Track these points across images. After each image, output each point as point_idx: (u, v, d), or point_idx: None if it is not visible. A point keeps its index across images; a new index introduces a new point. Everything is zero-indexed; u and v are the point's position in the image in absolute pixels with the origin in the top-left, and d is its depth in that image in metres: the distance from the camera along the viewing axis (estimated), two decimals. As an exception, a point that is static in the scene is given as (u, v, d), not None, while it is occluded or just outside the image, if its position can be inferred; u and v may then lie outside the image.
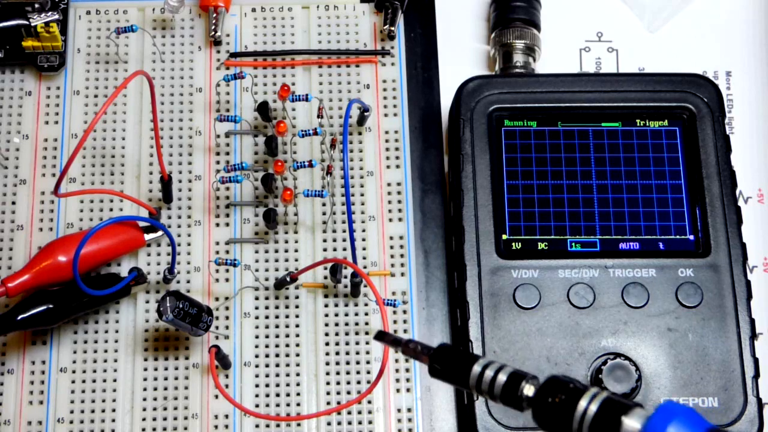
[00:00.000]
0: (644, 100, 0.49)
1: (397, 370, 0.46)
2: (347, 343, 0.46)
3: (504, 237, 0.47)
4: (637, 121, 0.49)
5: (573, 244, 0.47)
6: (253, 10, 0.52)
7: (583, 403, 0.32)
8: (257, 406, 0.45)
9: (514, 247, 0.47)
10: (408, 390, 0.46)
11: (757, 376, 0.44)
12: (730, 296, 0.46)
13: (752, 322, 0.45)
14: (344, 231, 0.48)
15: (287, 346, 0.46)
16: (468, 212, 0.47)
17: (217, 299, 0.47)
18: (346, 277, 0.46)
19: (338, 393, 0.45)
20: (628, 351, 0.45)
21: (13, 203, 0.48)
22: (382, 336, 0.39)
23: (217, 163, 0.49)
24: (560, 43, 0.54)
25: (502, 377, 0.34)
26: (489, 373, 0.35)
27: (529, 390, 0.34)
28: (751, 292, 0.46)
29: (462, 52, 0.54)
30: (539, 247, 0.47)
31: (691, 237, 0.47)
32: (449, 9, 0.54)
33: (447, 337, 0.47)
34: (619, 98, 0.49)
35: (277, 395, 0.45)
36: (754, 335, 0.45)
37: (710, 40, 0.55)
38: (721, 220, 0.47)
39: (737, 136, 0.52)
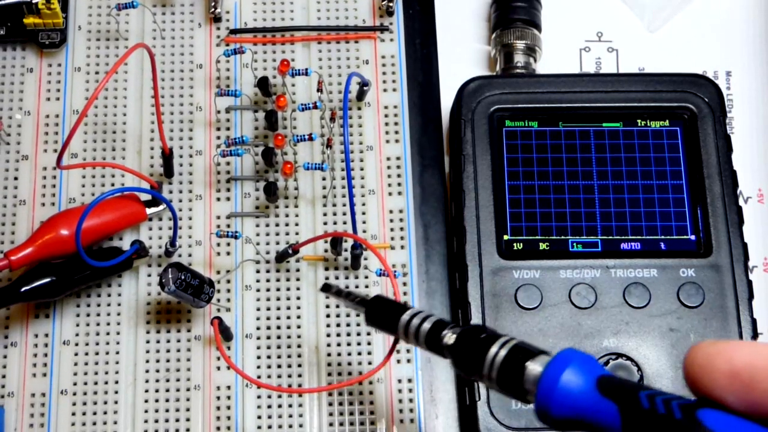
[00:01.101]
0: (645, 100, 0.49)
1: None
2: (348, 315, 0.47)
3: (505, 237, 0.47)
4: (638, 121, 0.49)
5: (574, 244, 0.47)
6: (253, -13, 0.52)
7: (494, 349, 0.33)
8: (259, 377, 0.46)
9: (515, 248, 0.47)
10: (408, 361, 0.46)
11: (758, 376, 0.45)
12: (732, 296, 0.46)
13: (754, 322, 0.46)
14: (344, 204, 0.48)
15: (288, 318, 0.46)
16: (469, 213, 0.47)
17: (218, 272, 0.47)
18: (346, 249, 0.47)
19: (339, 364, 0.46)
20: (630, 351, 0.45)
21: (16, 179, 0.48)
22: (327, 288, 0.42)
23: (218, 138, 0.49)
24: (560, 43, 0.54)
25: (426, 325, 0.37)
26: (415, 322, 0.37)
27: (449, 339, 0.36)
28: (753, 292, 0.46)
29: (462, 53, 0.54)
30: (541, 248, 0.47)
31: (693, 237, 0.47)
32: (449, 10, 0.55)
33: (447, 309, 0.47)
34: (620, 98, 0.49)
35: (279, 367, 0.46)
36: (755, 335, 0.45)
37: (710, 40, 0.55)
38: (722, 220, 0.47)
39: (737, 136, 0.52)
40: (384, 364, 0.41)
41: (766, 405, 0.27)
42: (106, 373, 0.46)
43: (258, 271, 0.47)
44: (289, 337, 0.46)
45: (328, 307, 0.47)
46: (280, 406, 0.45)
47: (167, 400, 0.45)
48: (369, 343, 0.46)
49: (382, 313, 0.39)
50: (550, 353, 0.33)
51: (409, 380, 0.46)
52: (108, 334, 0.46)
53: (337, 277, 0.47)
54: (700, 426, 0.27)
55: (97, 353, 0.46)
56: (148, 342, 0.46)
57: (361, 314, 0.40)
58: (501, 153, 0.48)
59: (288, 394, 0.45)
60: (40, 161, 0.49)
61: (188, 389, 0.45)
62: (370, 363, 0.46)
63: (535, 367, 0.32)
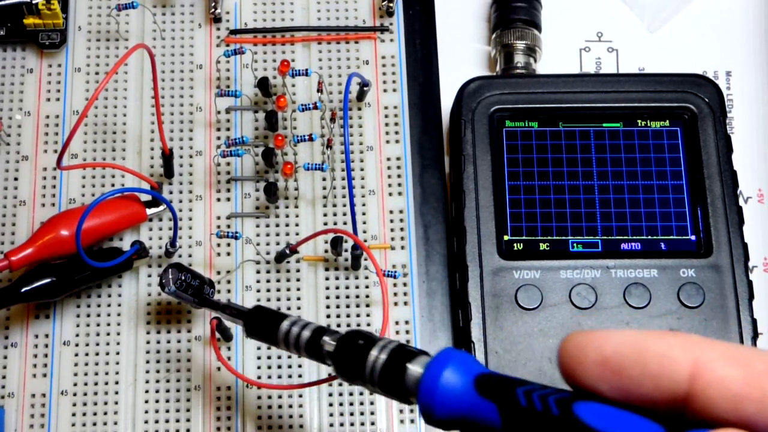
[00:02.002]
0: (645, 100, 0.49)
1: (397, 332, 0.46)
2: (348, 315, 0.47)
3: (506, 238, 0.47)
4: (639, 121, 0.49)
5: (575, 244, 0.47)
6: (253, -13, 0.52)
7: (374, 353, 0.34)
8: (259, 377, 0.46)
9: (515, 248, 0.47)
10: (408, 361, 0.46)
11: (759, 376, 0.44)
12: (732, 296, 0.46)
13: (754, 322, 0.45)
14: (344, 205, 0.48)
15: (288, 318, 0.46)
16: (469, 213, 0.47)
17: (218, 273, 0.47)
18: (346, 250, 0.47)
19: (339, 365, 0.46)
20: (631, 353, 0.45)
21: (16, 179, 0.48)
22: (203, 302, 0.43)
23: (218, 138, 0.49)
24: (560, 43, 0.54)
25: (306, 333, 0.37)
26: (295, 330, 0.37)
27: (329, 346, 0.36)
28: (753, 292, 0.46)
29: (462, 53, 0.54)
30: (541, 248, 0.47)
31: (693, 237, 0.47)
32: (449, 10, 0.55)
33: (447, 309, 0.47)
34: (621, 98, 0.49)
35: (279, 367, 0.46)
36: (755, 335, 0.45)
37: (710, 40, 0.55)
38: (722, 220, 0.47)
39: (737, 136, 0.52)
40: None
41: (636, 391, 0.28)
42: (107, 373, 0.46)
43: (258, 272, 0.47)
44: (289, 337, 0.46)
45: (328, 307, 0.47)
46: (280, 406, 0.45)
47: (167, 401, 0.45)
48: (369, 344, 0.46)
49: (261, 324, 0.39)
50: (429, 354, 0.33)
51: (410, 380, 0.46)
52: (108, 334, 0.46)
53: (337, 278, 0.47)
54: (576, 420, 0.28)
55: (97, 354, 0.46)
56: (148, 342, 0.46)
57: (240, 327, 0.40)
58: (501, 153, 0.48)
59: (288, 394, 0.45)
60: (40, 162, 0.49)
61: (188, 389, 0.45)
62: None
63: (415, 369, 0.32)
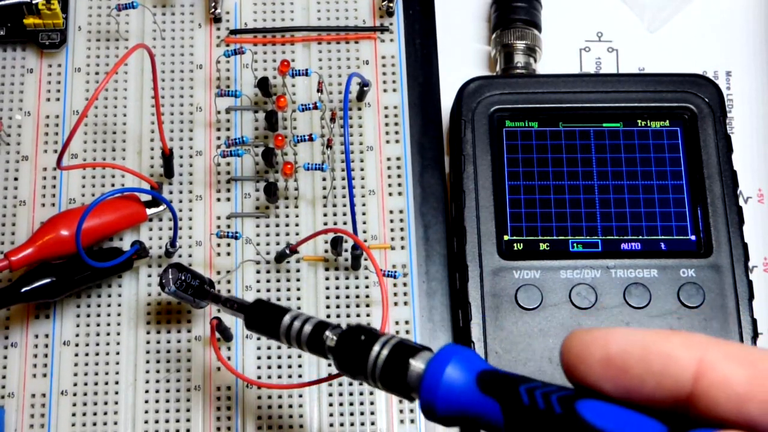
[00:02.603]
0: (645, 100, 0.49)
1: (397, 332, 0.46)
2: (348, 315, 0.47)
3: (506, 238, 0.47)
4: (639, 121, 0.49)
5: (575, 244, 0.47)
6: (253, -13, 0.52)
7: (376, 348, 0.34)
8: (259, 377, 0.46)
9: (515, 248, 0.47)
10: (409, 361, 0.46)
11: (759, 376, 0.44)
12: (732, 296, 0.46)
13: (754, 322, 0.45)
14: (344, 205, 0.48)
15: (288, 318, 0.46)
16: (469, 213, 0.47)
17: (218, 273, 0.47)
18: (346, 250, 0.47)
19: (339, 365, 0.46)
20: (631, 352, 0.45)
21: (16, 179, 0.48)
22: (204, 294, 0.43)
23: (218, 138, 0.49)
24: (560, 43, 0.54)
25: (307, 328, 0.37)
26: (296, 325, 0.37)
27: (331, 341, 0.36)
28: (753, 292, 0.46)
29: (462, 53, 0.54)
30: (541, 248, 0.47)
31: (693, 237, 0.47)
32: (449, 10, 0.55)
33: (447, 309, 0.47)
34: (621, 98, 0.49)
35: (279, 367, 0.46)
36: (755, 335, 0.45)
37: (710, 40, 0.55)
38: (722, 220, 0.47)
39: (737, 136, 0.52)
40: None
41: (640, 390, 0.28)
42: (107, 373, 0.46)
43: (258, 272, 0.47)
44: (289, 337, 0.46)
45: (328, 307, 0.47)
46: (280, 406, 0.45)
47: (167, 401, 0.45)
48: (369, 344, 0.46)
49: (263, 319, 0.39)
50: (432, 350, 0.33)
51: (410, 380, 0.46)
52: (108, 334, 0.46)
53: (337, 278, 0.47)
54: (578, 418, 0.28)
55: (97, 354, 0.46)
56: (148, 342, 0.46)
57: (241, 320, 0.40)
58: (501, 153, 0.48)
59: (288, 394, 0.45)
60: (40, 162, 0.49)
61: (188, 389, 0.45)
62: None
63: (417, 365, 0.32)
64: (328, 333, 0.36)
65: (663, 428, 0.27)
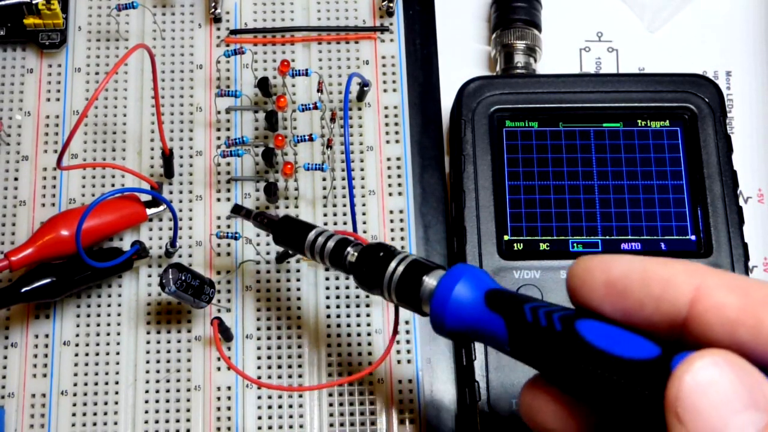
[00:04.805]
0: (645, 100, 0.49)
1: (398, 342, 0.46)
2: (348, 315, 0.47)
3: (506, 238, 0.47)
4: (639, 121, 0.49)
5: (575, 244, 0.47)
6: (253, -13, 0.52)
7: (392, 265, 0.36)
8: (259, 377, 0.46)
9: (515, 248, 0.47)
10: (409, 361, 0.46)
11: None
12: (733, 297, 0.46)
13: (754, 322, 0.45)
14: (345, 205, 0.48)
15: (288, 318, 0.46)
16: (469, 213, 0.47)
17: (218, 273, 0.47)
18: (346, 250, 0.47)
19: (339, 365, 0.46)
20: (631, 352, 0.45)
21: (16, 179, 0.48)
22: (237, 210, 0.44)
23: (218, 138, 0.49)
24: (560, 43, 0.54)
25: (330, 244, 0.39)
26: (320, 240, 0.40)
27: (352, 256, 0.38)
28: (753, 293, 0.46)
29: (462, 53, 0.54)
30: (541, 248, 0.47)
31: (693, 237, 0.47)
32: (449, 10, 0.54)
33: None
34: (621, 98, 0.49)
35: (279, 367, 0.46)
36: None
37: (710, 40, 0.55)
38: (722, 220, 0.47)
39: (737, 136, 0.52)
40: (384, 358, 0.41)
41: (638, 313, 0.29)
42: (107, 373, 0.46)
43: (258, 272, 0.47)
44: (289, 337, 0.46)
45: (328, 308, 0.47)
46: (280, 406, 0.45)
47: (167, 401, 0.45)
48: (369, 344, 0.46)
49: (290, 233, 0.41)
50: (445, 268, 0.35)
51: (410, 380, 0.46)
52: (108, 334, 0.46)
53: (337, 278, 0.47)
54: (577, 336, 0.29)
55: (97, 354, 0.46)
56: (148, 342, 0.46)
57: (270, 234, 0.42)
58: (501, 153, 0.48)
59: (288, 394, 0.45)
60: (40, 162, 0.49)
61: (188, 390, 0.45)
62: (370, 363, 0.46)
63: (430, 281, 0.35)
64: (349, 249, 0.39)
65: (657, 348, 0.28)
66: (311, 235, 0.40)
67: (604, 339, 0.29)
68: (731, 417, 0.25)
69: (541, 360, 0.31)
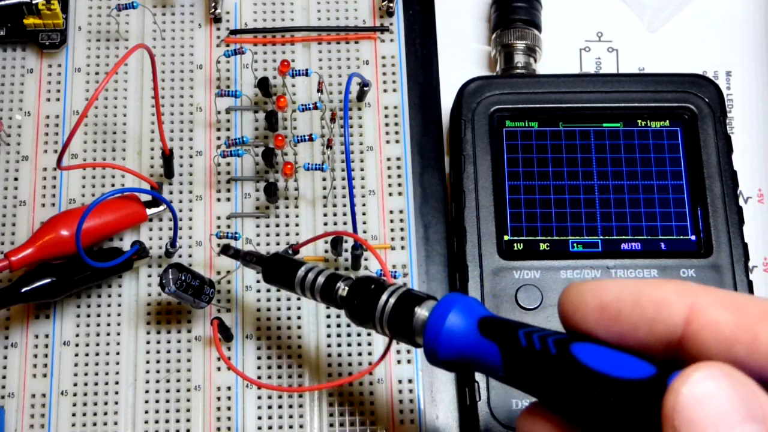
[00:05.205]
0: (645, 100, 0.49)
1: (398, 342, 0.46)
2: (348, 315, 0.47)
3: (506, 238, 0.47)
4: (639, 121, 0.49)
5: (575, 244, 0.47)
6: (253, -13, 0.52)
7: (384, 297, 0.36)
8: (259, 378, 0.46)
9: (515, 248, 0.47)
10: (409, 362, 0.46)
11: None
12: (732, 297, 0.46)
13: (754, 322, 0.45)
14: (344, 205, 0.48)
15: (288, 318, 0.46)
16: (469, 213, 0.47)
17: (218, 273, 0.47)
18: (346, 250, 0.47)
19: (339, 365, 0.46)
20: (631, 352, 0.45)
21: (16, 179, 0.48)
22: (225, 250, 0.44)
23: (218, 138, 0.49)
24: (560, 43, 0.54)
25: (321, 279, 0.40)
26: (310, 276, 0.40)
27: (343, 291, 0.39)
28: (753, 292, 0.46)
29: (462, 53, 0.54)
30: (541, 248, 0.47)
31: (693, 237, 0.47)
32: (449, 10, 0.55)
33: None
34: (621, 98, 0.49)
35: (279, 367, 0.46)
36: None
37: (710, 40, 0.55)
38: (722, 220, 0.47)
39: (737, 136, 0.52)
40: (383, 358, 0.41)
41: (632, 335, 0.29)
42: (107, 373, 0.46)
43: (258, 272, 0.47)
44: (289, 337, 0.46)
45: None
46: (280, 407, 0.45)
47: (167, 401, 0.45)
48: (369, 344, 0.46)
49: (279, 271, 0.41)
50: (437, 299, 0.35)
51: (410, 381, 0.46)
52: (108, 334, 0.46)
53: (337, 278, 0.47)
54: (573, 359, 0.29)
55: (97, 354, 0.46)
56: (148, 343, 0.46)
57: (259, 273, 0.42)
58: (501, 153, 0.48)
59: (288, 394, 0.45)
60: (40, 162, 0.49)
61: (188, 390, 0.45)
62: (370, 363, 0.46)
63: (422, 312, 0.35)
64: (340, 284, 0.39)
65: (652, 368, 0.28)
66: (301, 271, 0.40)
67: (600, 361, 0.29)
68: (729, 429, 0.25)
69: (537, 384, 0.30)
